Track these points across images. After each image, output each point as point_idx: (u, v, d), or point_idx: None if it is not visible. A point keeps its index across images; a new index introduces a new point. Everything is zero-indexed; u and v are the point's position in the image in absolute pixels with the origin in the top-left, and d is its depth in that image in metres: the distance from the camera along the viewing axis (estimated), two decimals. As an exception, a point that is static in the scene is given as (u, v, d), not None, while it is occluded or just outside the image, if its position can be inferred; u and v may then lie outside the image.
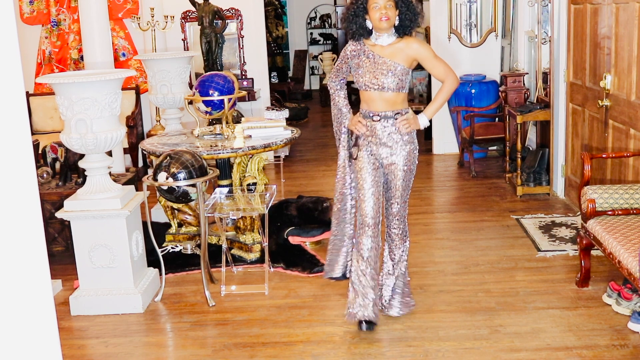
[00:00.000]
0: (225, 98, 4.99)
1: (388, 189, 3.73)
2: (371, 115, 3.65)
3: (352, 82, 7.86)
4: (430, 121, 3.84)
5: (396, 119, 3.62)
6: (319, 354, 3.55)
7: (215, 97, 5.00)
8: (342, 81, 3.85)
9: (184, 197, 4.38)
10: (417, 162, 3.73)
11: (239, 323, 3.95)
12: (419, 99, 9.23)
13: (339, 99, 3.85)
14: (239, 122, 5.98)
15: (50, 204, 4.88)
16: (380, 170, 3.69)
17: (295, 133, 5.10)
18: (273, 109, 6.69)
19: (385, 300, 3.89)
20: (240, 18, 8.37)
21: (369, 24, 3.60)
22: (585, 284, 4.14)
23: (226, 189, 4.74)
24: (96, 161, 4.12)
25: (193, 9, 8.03)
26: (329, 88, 3.91)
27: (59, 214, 4.14)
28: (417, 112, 9.52)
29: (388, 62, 3.58)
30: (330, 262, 3.85)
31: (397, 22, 3.58)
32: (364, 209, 3.64)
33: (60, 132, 4.19)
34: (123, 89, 4.34)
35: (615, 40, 4.72)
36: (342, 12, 3.87)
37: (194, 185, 4.24)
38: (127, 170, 6.56)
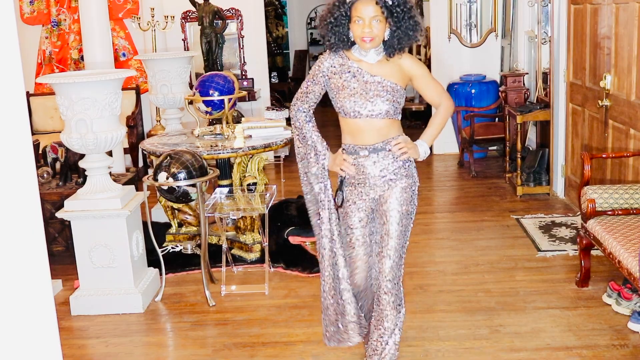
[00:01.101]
0: (226, 98, 4.99)
1: (377, 237, 2.98)
2: (357, 150, 2.92)
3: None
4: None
5: (389, 150, 2.90)
6: (319, 353, 3.55)
7: (216, 97, 5.01)
8: (311, 108, 3.01)
9: (184, 197, 4.39)
10: (416, 204, 3.00)
11: (239, 323, 3.95)
12: (420, 98, 9.23)
13: (310, 133, 2.98)
14: (239, 122, 5.99)
15: (51, 204, 4.89)
16: (373, 223, 3.01)
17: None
18: (273, 109, 6.70)
19: None
20: (240, 18, 8.37)
21: (352, 35, 2.85)
22: (585, 283, 4.14)
23: (226, 189, 4.74)
24: (96, 161, 4.12)
25: (193, 9, 8.03)
26: (293, 119, 3.02)
27: (59, 214, 4.15)
28: (417, 112, 9.43)
29: (384, 82, 2.84)
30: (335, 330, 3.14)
31: (386, 37, 2.82)
32: (354, 275, 3.04)
33: (60, 132, 4.20)
34: (123, 89, 4.35)
35: (615, 40, 4.72)
36: (320, 15, 2.92)
37: (194, 185, 4.24)
38: (128, 170, 6.56)
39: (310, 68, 13.99)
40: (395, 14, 2.77)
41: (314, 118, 3.03)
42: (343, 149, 2.97)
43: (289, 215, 5.50)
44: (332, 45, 2.86)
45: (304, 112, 2.99)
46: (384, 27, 2.79)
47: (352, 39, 2.85)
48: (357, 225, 2.99)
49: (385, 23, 2.78)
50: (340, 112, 2.90)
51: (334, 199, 3.01)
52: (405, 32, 2.80)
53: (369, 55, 2.86)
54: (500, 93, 7.22)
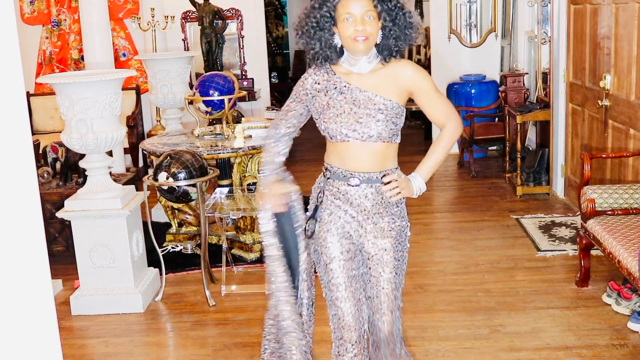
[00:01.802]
0: (226, 98, 4.99)
1: (373, 292, 2.54)
2: (346, 176, 2.47)
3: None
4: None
5: (384, 183, 2.46)
6: (319, 353, 3.55)
7: (216, 97, 5.01)
8: (290, 131, 2.55)
9: (184, 197, 4.39)
10: (408, 246, 2.59)
11: (239, 323, 3.95)
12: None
13: (271, 157, 2.54)
14: (239, 122, 5.99)
15: (51, 204, 4.89)
16: (358, 258, 2.53)
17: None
18: (273, 109, 6.70)
19: None
20: (240, 18, 8.37)
21: (338, 41, 2.42)
22: (585, 283, 4.15)
23: (226, 189, 4.75)
24: (96, 161, 4.13)
25: (193, 9, 8.03)
26: (266, 139, 2.59)
27: (59, 214, 4.15)
28: (417, 112, 9.40)
29: (376, 98, 2.40)
30: None
31: (379, 39, 2.40)
32: (342, 319, 2.51)
33: (60, 132, 4.20)
34: (123, 89, 4.35)
35: (615, 41, 4.72)
36: (298, 22, 2.44)
37: (194, 185, 4.25)
38: (128, 170, 6.57)
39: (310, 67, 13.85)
40: (388, 9, 2.38)
41: (288, 146, 2.58)
42: (327, 169, 2.52)
43: (289, 215, 5.50)
44: (316, 55, 2.44)
45: (279, 131, 2.55)
46: (378, 26, 2.38)
47: (339, 47, 2.43)
48: (341, 257, 2.50)
49: (379, 21, 2.38)
50: (326, 135, 2.46)
51: (305, 229, 2.54)
52: (402, 31, 2.40)
53: (360, 64, 2.43)
54: (500, 93, 7.22)
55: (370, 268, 2.53)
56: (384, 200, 2.48)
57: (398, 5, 2.40)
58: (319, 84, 2.47)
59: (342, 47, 2.43)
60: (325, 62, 2.45)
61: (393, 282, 2.52)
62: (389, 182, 2.45)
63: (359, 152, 2.43)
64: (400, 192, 2.46)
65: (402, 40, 2.41)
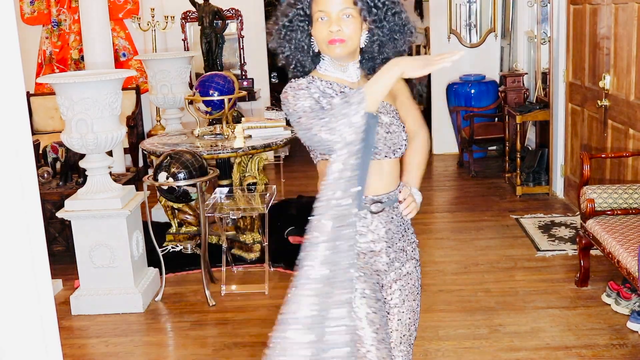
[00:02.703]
0: (226, 98, 5.00)
1: (392, 325, 2.17)
2: (367, 203, 2.06)
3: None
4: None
5: (400, 201, 2.12)
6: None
7: (216, 97, 5.01)
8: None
9: (184, 197, 4.39)
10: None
11: (239, 323, 3.96)
12: (419, 98, 9.23)
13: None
14: (239, 122, 5.99)
15: (51, 204, 4.89)
16: (381, 298, 2.13)
17: (295, 133, 5.10)
18: (273, 109, 6.69)
19: None
20: (240, 18, 8.37)
21: (315, 45, 2.05)
22: (584, 283, 4.15)
23: (226, 189, 4.75)
24: (97, 161, 4.13)
25: (193, 9, 8.03)
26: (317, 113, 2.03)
27: (59, 214, 4.15)
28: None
29: (388, 106, 2.08)
30: None
31: (363, 43, 2.03)
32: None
33: (60, 132, 4.21)
34: (123, 89, 4.35)
35: (615, 41, 4.73)
36: (273, 23, 2.10)
37: (194, 185, 4.25)
38: (128, 170, 6.57)
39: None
40: (374, 6, 1.98)
41: None
42: None
43: (289, 215, 5.51)
44: (288, 60, 2.08)
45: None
46: (359, 28, 1.99)
47: (315, 51, 2.06)
48: (367, 317, 2.03)
49: (361, 22, 1.99)
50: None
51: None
52: (390, 35, 2.02)
53: (350, 70, 2.06)
54: (499, 93, 7.23)
55: (390, 298, 2.15)
56: (403, 221, 2.15)
57: (386, 3, 2.01)
58: (327, 89, 2.05)
59: (318, 52, 2.06)
60: (302, 70, 2.09)
61: (415, 311, 2.19)
62: (409, 200, 2.12)
63: (381, 171, 2.05)
64: (415, 208, 2.15)
65: (390, 47, 2.04)
